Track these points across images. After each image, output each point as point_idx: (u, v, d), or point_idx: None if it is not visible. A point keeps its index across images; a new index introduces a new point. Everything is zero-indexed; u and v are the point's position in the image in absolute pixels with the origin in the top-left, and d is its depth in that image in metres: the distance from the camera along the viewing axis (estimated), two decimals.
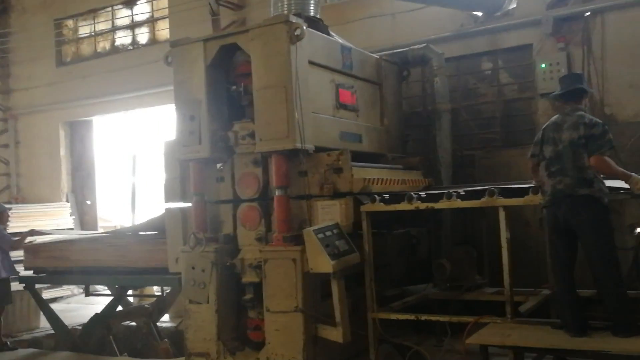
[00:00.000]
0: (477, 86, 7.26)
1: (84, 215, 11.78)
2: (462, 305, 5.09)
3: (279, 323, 4.36)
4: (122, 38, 10.94)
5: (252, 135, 4.63)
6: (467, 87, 7.34)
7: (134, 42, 10.81)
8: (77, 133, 11.95)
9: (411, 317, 4.37)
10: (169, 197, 5.16)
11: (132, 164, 8.20)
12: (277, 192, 4.46)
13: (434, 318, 4.39)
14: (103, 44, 11.28)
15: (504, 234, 4.07)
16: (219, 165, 4.90)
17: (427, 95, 6.82)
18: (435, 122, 6.28)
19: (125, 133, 11.74)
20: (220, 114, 4.86)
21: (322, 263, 4.00)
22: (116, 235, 6.33)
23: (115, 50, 11.02)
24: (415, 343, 4.62)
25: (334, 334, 4.12)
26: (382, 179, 4.82)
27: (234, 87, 4.77)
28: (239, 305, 4.80)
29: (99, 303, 7.98)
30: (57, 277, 6.26)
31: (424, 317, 4.33)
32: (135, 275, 5.69)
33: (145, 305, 6.90)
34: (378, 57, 5.85)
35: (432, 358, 4.46)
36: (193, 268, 4.73)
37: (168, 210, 5.16)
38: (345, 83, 5.19)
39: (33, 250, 6.44)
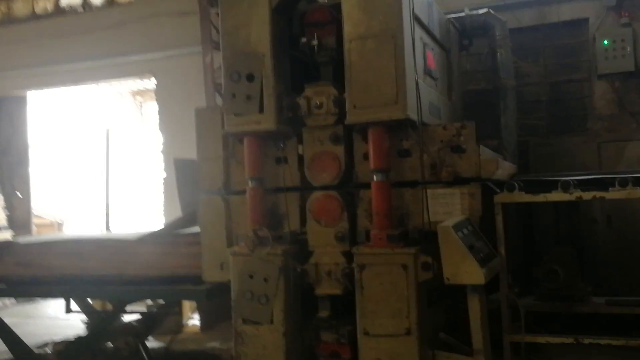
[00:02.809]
0: (520, 65, 6.58)
1: (14, 210, 10.12)
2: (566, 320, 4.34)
3: (382, 351, 3.41)
4: None
5: (334, 102, 3.64)
6: None
7: (86, 3, 9.33)
8: (5, 111, 10.26)
9: (569, 339, 3.54)
10: (206, 184, 4.05)
11: (105, 142, 6.79)
12: (376, 177, 3.50)
13: (603, 341, 3.58)
14: (43, 4, 9.68)
15: None
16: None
17: (487, 70, 6.05)
18: (499, 101, 5.52)
19: (69, 112, 10.23)
20: (285, 75, 3.83)
21: (469, 272, 3.09)
22: (113, 236, 5.05)
23: (60, 12, 9.47)
24: None
25: None
26: None
27: (304, 40, 3.75)
28: (302, 326, 3.80)
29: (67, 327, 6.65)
30: (26, 288, 4.90)
31: (587, 341, 3.51)
32: (143, 286, 4.49)
33: (133, 323, 5.66)
34: (447, 18, 5.01)
35: None
36: (251, 277, 3.68)
37: (205, 201, 4.05)
38: (429, 44, 4.30)
39: None
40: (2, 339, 5.32)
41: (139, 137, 15.76)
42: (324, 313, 3.74)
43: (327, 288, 3.70)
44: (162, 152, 8.34)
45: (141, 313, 5.77)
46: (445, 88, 4.89)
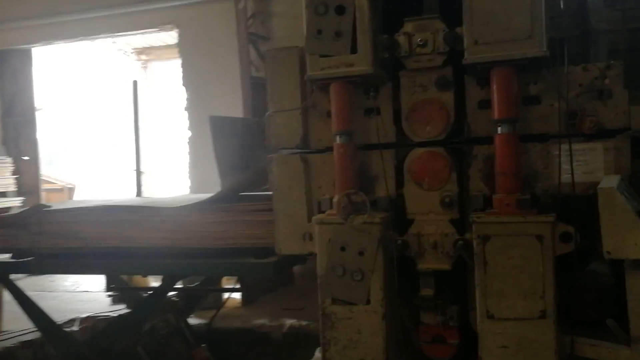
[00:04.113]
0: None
1: (21, 175, 9.51)
2: None
3: (510, 337, 2.89)
4: None
5: (444, 38, 3.04)
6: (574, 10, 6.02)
7: None
8: (8, 67, 9.55)
9: None
10: (279, 140, 3.47)
11: (133, 95, 6.14)
12: (501, 129, 2.93)
13: None
14: None
15: None
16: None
17: (573, 13, 5.40)
18: (588, 49, 4.89)
19: (74, 71, 9.53)
20: (378, 7, 3.21)
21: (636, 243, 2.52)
22: (160, 203, 4.45)
23: None
24: None
25: (625, 356, 2.69)
26: None
27: None
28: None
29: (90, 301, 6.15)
30: (59, 262, 4.34)
31: None
32: (200, 260, 3.95)
33: (173, 299, 5.15)
34: None
35: None
36: (343, 249, 3.13)
37: (279, 160, 3.47)
38: None
39: (8, 225, 4.48)
40: (27, 314, 4.81)
41: (146, 98, 15.13)
42: (427, 291, 3.22)
43: (433, 262, 3.17)
44: (187, 109, 7.73)
45: (182, 289, 5.25)
46: None
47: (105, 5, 7.81)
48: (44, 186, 9.54)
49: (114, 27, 8.13)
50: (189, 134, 7.73)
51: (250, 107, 6.60)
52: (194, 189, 7.72)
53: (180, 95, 10.61)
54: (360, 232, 3.09)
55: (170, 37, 12.72)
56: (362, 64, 3.09)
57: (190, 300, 5.22)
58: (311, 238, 3.33)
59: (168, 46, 13.90)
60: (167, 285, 4.36)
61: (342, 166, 3.21)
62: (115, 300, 6.58)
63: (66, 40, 8.64)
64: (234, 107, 6.98)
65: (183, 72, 7.71)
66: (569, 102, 2.94)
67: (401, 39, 3.15)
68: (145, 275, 5.48)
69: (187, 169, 7.73)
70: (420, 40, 3.11)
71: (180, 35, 7.73)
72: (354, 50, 3.11)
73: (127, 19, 7.89)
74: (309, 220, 3.38)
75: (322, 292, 3.22)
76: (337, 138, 3.21)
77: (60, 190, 9.92)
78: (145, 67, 15.48)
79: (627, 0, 5.90)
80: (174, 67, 14.63)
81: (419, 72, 3.18)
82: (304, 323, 5.17)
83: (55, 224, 4.41)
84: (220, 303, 5.79)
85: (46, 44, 8.68)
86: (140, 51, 14.97)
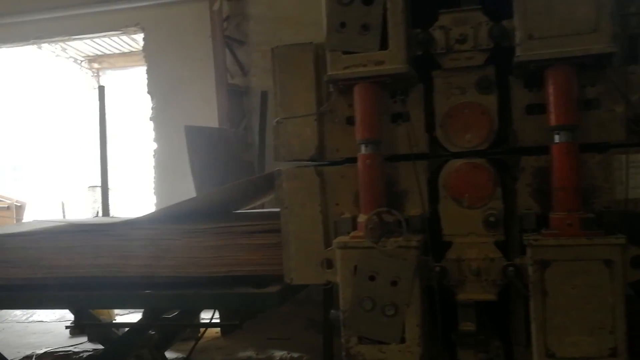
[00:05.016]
0: None
1: None
2: None
3: None
4: None
5: (489, 32, 2.67)
6: None
7: None
8: None
9: None
10: (290, 150, 3.01)
11: (99, 101, 5.53)
12: (559, 137, 2.56)
13: None
14: None
15: None
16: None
17: None
18: None
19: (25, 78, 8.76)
20: None
21: None
22: (140, 223, 3.88)
23: None
24: None
25: None
26: None
27: None
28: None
29: (45, 332, 5.49)
30: (17, 295, 3.71)
31: None
32: (188, 290, 3.42)
33: (150, 333, 4.56)
34: None
35: None
36: (372, 278, 2.69)
37: (290, 174, 3.02)
38: None
39: None
40: None
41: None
42: (467, 326, 2.81)
43: (476, 292, 2.77)
44: (152, 119, 7.15)
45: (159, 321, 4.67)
46: None
47: (63, 6, 7.17)
48: None
49: (72, 29, 7.48)
50: (155, 145, 7.15)
51: (227, 117, 6.10)
52: (160, 205, 7.14)
53: (139, 105, 10.01)
54: (394, 257, 2.66)
55: (124, 44, 12.10)
56: (393, 61, 2.68)
57: (168, 333, 4.66)
58: (330, 265, 2.87)
59: (122, 54, 13.26)
60: (148, 319, 3.81)
61: (369, 180, 2.77)
62: (74, 332, 5.92)
63: (16, 43, 7.92)
64: (206, 116, 6.49)
65: (148, 78, 7.15)
66: (633, 106, 2.60)
67: (437, 33, 2.75)
68: (123, 308, 4.89)
69: (153, 184, 7.14)
70: (460, 35, 2.73)
71: (146, 39, 7.17)
72: (383, 46, 2.70)
73: (87, 20, 7.27)
74: (326, 243, 2.94)
75: (346, 329, 2.76)
76: (363, 147, 2.78)
77: (6, 208, 9.11)
78: (97, 76, 14.75)
79: None
80: (128, 76, 13.95)
81: (456, 71, 2.79)
82: (295, 355, 4.68)
83: (11, 250, 3.81)
84: (197, 334, 5.24)
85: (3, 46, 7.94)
86: (93, 59, 14.25)
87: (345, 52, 2.74)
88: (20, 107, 12.76)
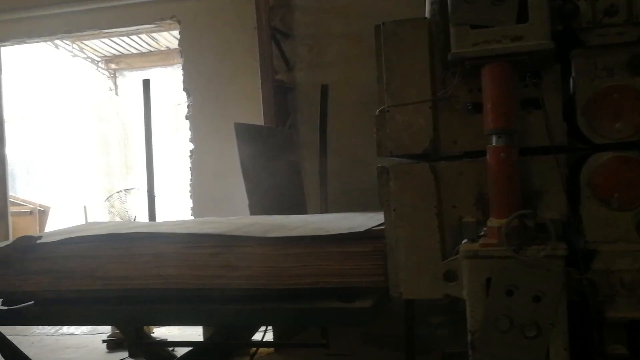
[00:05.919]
0: None
1: None
2: None
3: None
4: None
5: None
6: None
7: None
8: None
9: None
10: (400, 144, 2.62)
11: (144, 96, 5.15)
12: None
13: None
14: None
15: None
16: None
17: None
18: None
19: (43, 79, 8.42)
20: None
21: None
22: (210, 230, 3.47)
23: None
24: None
25: None
26: None
27: None
28: None
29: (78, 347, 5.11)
30: (67, 310, 3.32)
31: None
32: (266, 304, 3.03)
33: (171, 351, 4.17)
34: None
35: None
36: (510, 293, 2.29)
37: (398, 170, 2.62)
38: None
39: None
40: None
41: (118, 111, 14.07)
42: (618, 349, 2.40)
43: (629, 310, 2.36)
44: (189, 117, 6.78)
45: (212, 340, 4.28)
46: None
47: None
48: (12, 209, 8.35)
49: (103, 22, 7.13)
50: (191, 146, 6.78)
51: (274, 115, 5.73)
52: (198, 208, 6.77)
53: (162, 106, 9.67)
54: (537, 269, 2.27)
55: (144, 43, 11.78)
56: (535, 36, 2.29)
57: (224, 353, 4.26)
58: (453, 278, 2.48)
59: (140, 54, 12.95)
60: (219, 337, 3.40)
61: (503, 177, 2.38)
62: (112, 347, 5.53)
63: (43, 38, 7.56)
64: (248, 114, 6.11)
65: (185, 75, 6.77)
66: None
67: (582, 4, 2.36)
68: (189, 325, 4.49)
69: (189, 187, 6.77)
70: (611, 6, 2.33)
71: (182, 32, 6.81)
72: (520, 19, 2.31)
73: (119, 12, 6.91)
74: (443, 251, 2.54)
75: (476, 353, 2.36)
76: (495, 139, 2.38)
77: (29, 213, 8.74)
78: (113, 77, 14.47)
79: None
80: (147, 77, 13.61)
81: (603, 49, 2.39)
82: None
83: (58, 259, 3.42)
84: (249, 351, 4.85)
85: (19, 43, 7.55)
86: (110, 59, 13.97)
87: (474, 27, 2.36)
88: (34, 109, 12.48)
